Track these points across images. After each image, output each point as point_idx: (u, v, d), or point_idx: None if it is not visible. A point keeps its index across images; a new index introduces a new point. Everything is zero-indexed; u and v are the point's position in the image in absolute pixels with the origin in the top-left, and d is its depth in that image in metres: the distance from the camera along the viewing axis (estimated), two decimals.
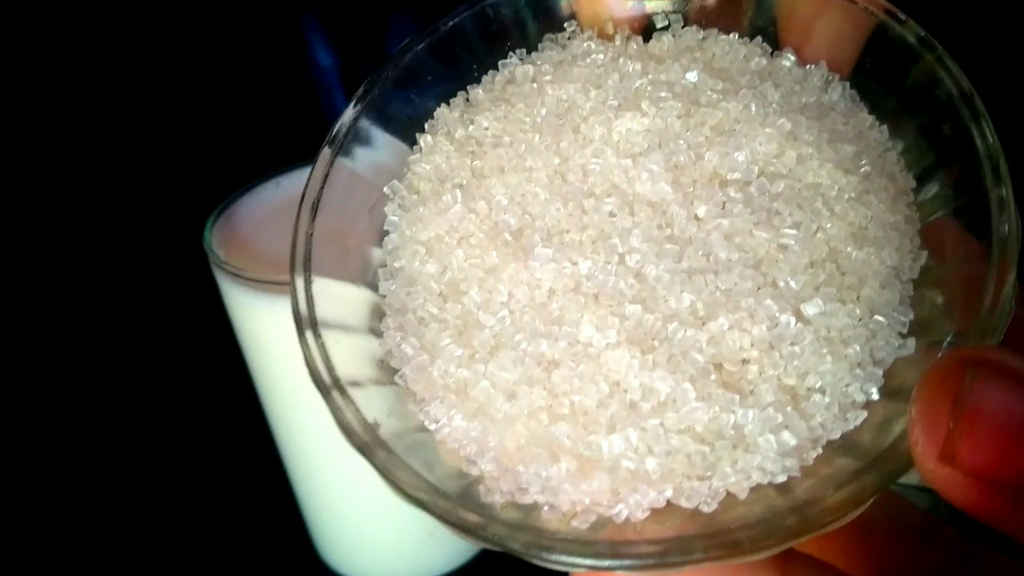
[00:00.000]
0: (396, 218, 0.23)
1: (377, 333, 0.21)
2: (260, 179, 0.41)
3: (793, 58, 0.22)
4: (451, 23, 0.23)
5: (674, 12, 0.23)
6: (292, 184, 0.41)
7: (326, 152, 0.22)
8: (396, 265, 0.22)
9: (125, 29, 0.63)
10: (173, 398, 0.58)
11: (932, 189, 0.20)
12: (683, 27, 0.23)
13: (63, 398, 0.59)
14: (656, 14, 0.23)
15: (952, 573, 0.21)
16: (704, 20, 0.23)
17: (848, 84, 0.22)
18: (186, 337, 0.60)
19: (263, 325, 0.37)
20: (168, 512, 0.52)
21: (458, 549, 0.46)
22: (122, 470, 0.54)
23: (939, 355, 0.17)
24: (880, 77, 0.21)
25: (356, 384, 0.20)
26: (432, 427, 0.20)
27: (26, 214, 0.65)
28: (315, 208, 0.22)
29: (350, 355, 0.20)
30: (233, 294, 0.36)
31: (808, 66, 0.22)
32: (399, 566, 0.46)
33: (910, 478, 0.17)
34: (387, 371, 0.21)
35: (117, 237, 0.65)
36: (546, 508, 0.18)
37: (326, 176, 0.22)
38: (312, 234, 0.21)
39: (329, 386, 0.20)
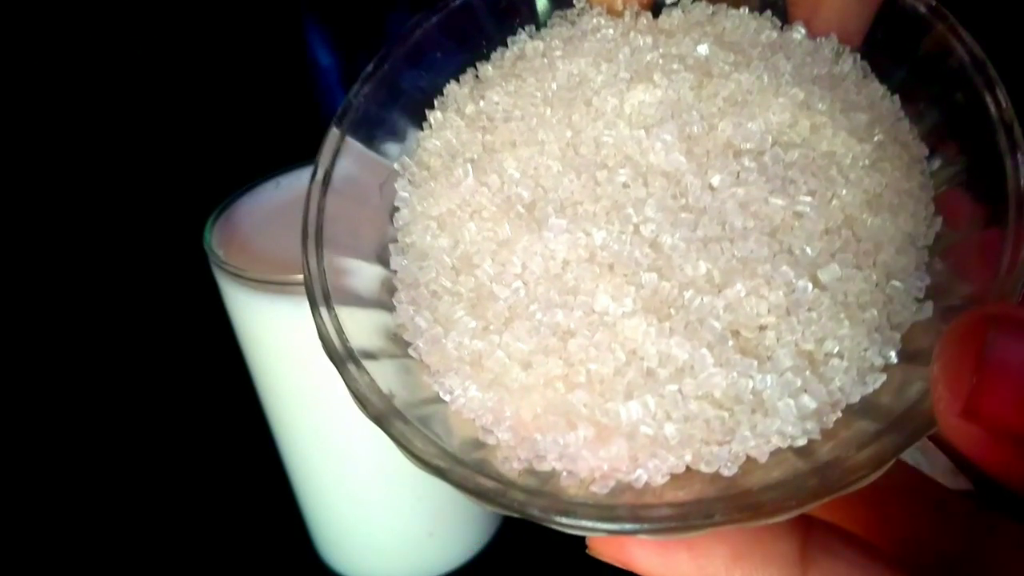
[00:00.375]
0: (407, 194, 0.23)
1: (389, 308, 0.21)
2: (260, 179, 0.41)
3: (803, 31, 0.22)
4: (461, 0, 0.23)
5: None
6: (292, 184, 0.41)
7: (335, 129, 0.22)
8: (407, 240, 0.22)
9: (125, 29, 0.63)
10: (173, 398, 0.58)
11: (945, 157, 0.20)
12: (692, 2, 0.23)
13: (63, 398, 0.59)
14: None
15: (968, 543, 0.21)
16: None
17: (859, 56, 0.22)
18: (186, 337, 0.60)
19: (263, 325, 0.37)
20: (168, 512, 0.52)
21: (458, 549, 0.46)
22: (122, 470, 0.54)
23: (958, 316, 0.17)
24: (891, 49, 0.22)
25: (370, 356, 0.20)
26: (447, 398, 0.20)
27: (26, 214, 0.65)
28: (326, 183, 0.22)
29: (363, 328, 0.20)
30: (233, 294, 0.36)
31: (818, 39, 0.22)
32: (399, 566, 0.46)
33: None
34: (400, 344, 0.21)
35: (117, 237, 0.65)
36: (564, 474, 0.18)
37: (336, 152, 0.22)
38: (323, 209, 0.21)
39: (344, 357, 0.19)
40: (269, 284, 0.34)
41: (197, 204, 0.41)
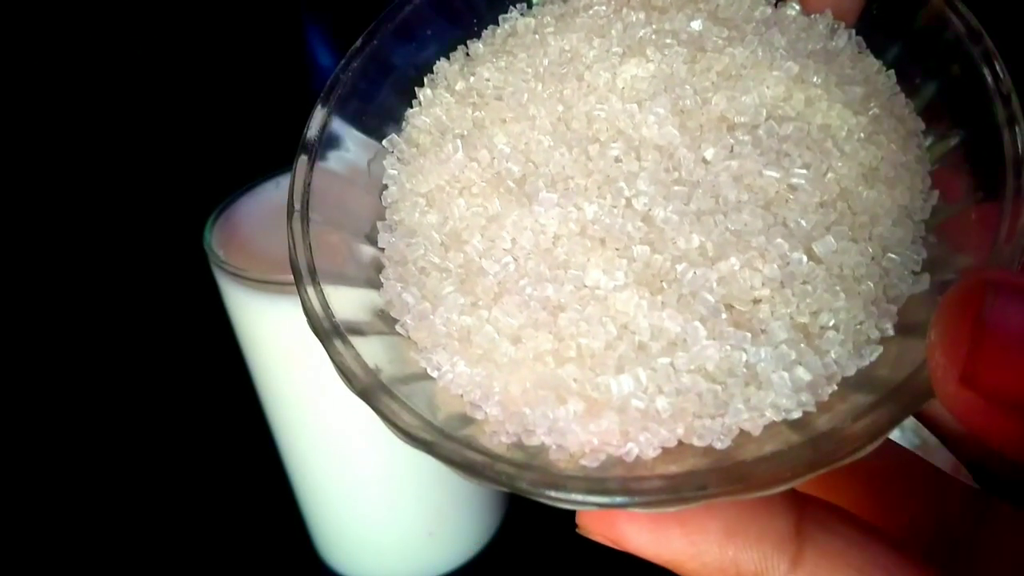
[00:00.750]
0: (395, 171, 0.22)
1: (376, 285, 0.21)
2: (260, 179, 0.41)
3: (798, 7, 0.22)
4: None
5: None
6: None
7: (322, 105, 0.22)
8: (396, 217, 0.22)
9: (125, 29, 0.63)
10: (173, 398, 0.58)
11: (942, 131, 0.20)
12: None
13: (63, 398, 0.59)
14: None
15: (966, 524, 0.21)
16: None
17: (854, 31, 0.22)
18: (186, 337, 0.60)
19: (263, 325, 0.37)
20: (168, 512, 0.52)
21: (458, 549, 0.46)
22: (122, 470, 0.54)
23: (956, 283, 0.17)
24: (886, 24, 0.21)
25: (356, 332, 0.20)
26: (435, 374, 0.19)
27: (26, 214, 0.65)
28: (312, 159, 0.21)
29: (349, 305, 0.20)
30: (233, 294, 0.36)
31: (813, 15, 0.22)
32: (399, 566, 0.46)
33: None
34: (387, 321, 0.21)
35: (117, 237, 0.65)
36: (554, 448, 0.18)
37: (323, 128, 0.22)
38: (310, 184, 0.21)
39: (329, 332, 0.19)
40: (269, 284, 0.34)
41: (197, 204, 0.41)
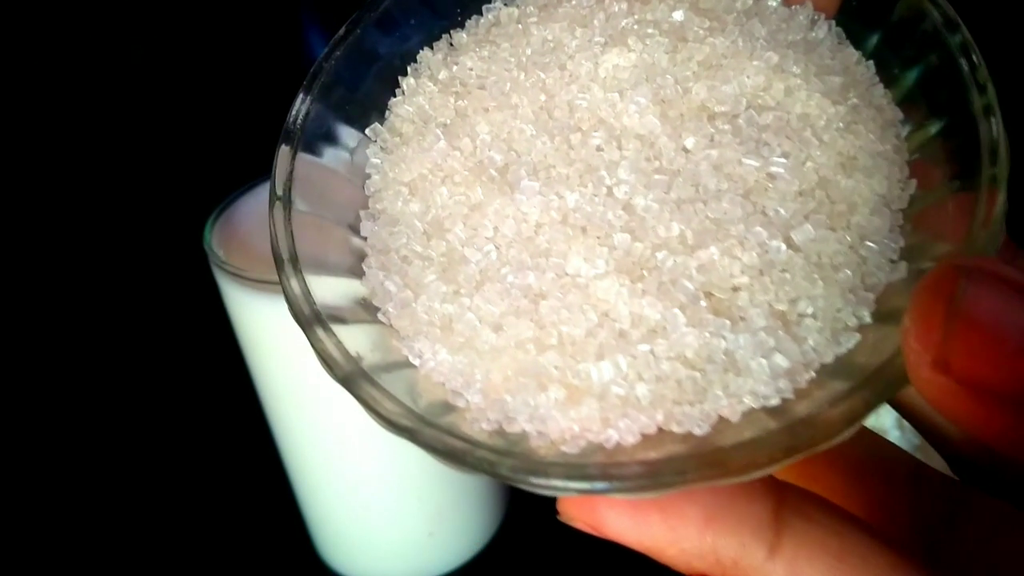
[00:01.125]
0: (378, 160, 0.22)
1: (358, 274, 0.21)
2: (260, 179, 0.41)
3: None
4: None
5: None
6: None
7: (303, 92, 0.22)
8: (378, 207, 0.22)
9: (125, 29, 0.63)
10: (173, 398, 0.58)
11: (919, 121, 0.20)
12: None
13: (63, 398, 0.59)
14: None
15: (942, 515, 0.21)
16: None
17: (833, 22, 0.22)
18: (186, 337, 0.60)
19: (263, 325, 0.37)
20: (168, 512, 0.52)
21: (458, 549, 0.46)
22: (122, 470, 0.54)
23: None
24: (865, 15, 0.21)
25: (338, 320, 0.20)
26: (416, 362, 0.20)
27: (26, 214, 0.65)
28: (295, 148, 0.22)
29: (331, 293, 0.20)
30: (233, 294, 0.36)
31: (793, 7, 0.22)
32: (399, 566, 0.46)
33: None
34: (369, 309, 0.21)
35: (117, 237, 0.65)
36: (535, 435, 0.18)
37: (306, 117, 0.22)
38: (292, 172, 0.21)
39: (310, 319, 0.19)
40: (269, 284, 0.34)
41: (197, 204, 0.41)
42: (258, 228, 0.38)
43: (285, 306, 0.35)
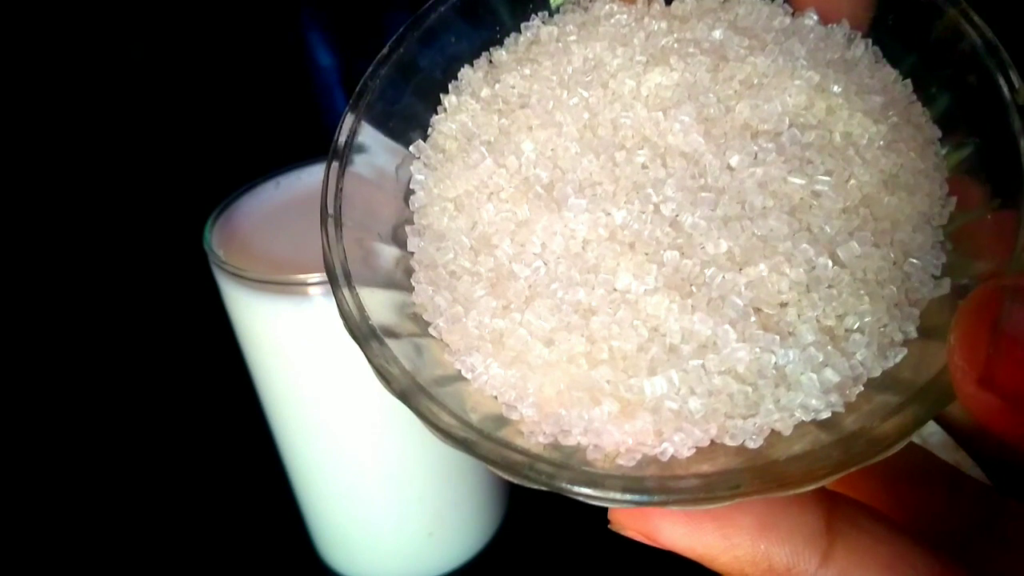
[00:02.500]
0: (423, 176, 0.23)
1: (405, 288, 0.21)
2: (260, 179, 0.41)
3: (816, 17, 0.23)
4: None
5: None
6: (292, 184, 0.41)
7: (351, 112, 0.22)
8: (424, 222, 0.22)
9: (125, 29, 0.63)
10: (173, 398, 0.58)
11: (958, 139, 0.21)
12: None
13: (63, 398, 0.59)
14: None
15: (980, 523, 0.21)
16: None
17: (870, 41, 0.22)
18: (186, 337, 0.60)
19: (263, 325, 0.37)
20: (168, 512, 0.52)
21: (458, 549, 0.46)
22: (122, 470, 0.54)
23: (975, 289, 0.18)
24: (902, 34, 0.22)
25: (390, 334, 0.20)
26: (469, 376, 0.20)
27: (27, 214, 0.65)
28: (343, 165, 0.22)
29: (381, 307, 0.21)
30: (233, 294, 0.36)
31: (830, 25, 0.22)
32: (399, 566, 0.46)
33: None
34: (419, 323, 0.21)
35: (117, 237, 0.65)
36: (591, 448, 0.18)
37: (352, 134, 0.22)
38: (341, 190, 0.22)
39: (367, 334, 0.20)
40: (269, 284, 0.34)
41: (197, 204, 0.41)
42: (258, 228, 0.38)
43: (285, 306, 0.35)
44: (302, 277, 0.33)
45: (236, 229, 0.38)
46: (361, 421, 0.39)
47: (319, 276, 0.33)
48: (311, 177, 0.42)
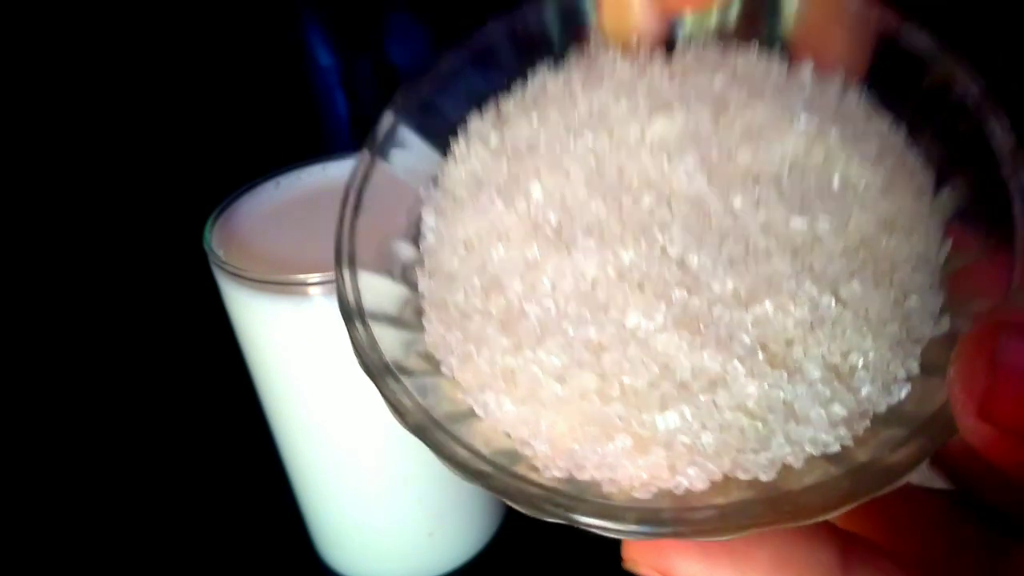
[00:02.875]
0: (432, 220, 0.23)
1: (415, 327, 0.22)
2: (260, 179, 0.41)
3: (811, 68, 0.23)
4: (485, 34, 0.24)
5: (697, 27, 0.24)
6: (292, 184, 0.41)
7: (366, 152, 0.23)
8: (434, 263, 0.23)
9: (125, 29, 0.63)
10: (173, 398, 0.58)
11: (951, 185, 0.21)
12: (704, 41, 0.24)
13: (63, 398, 0.59)
14: (679, 29, 0.25)
15: (983, 563, 0.21)
16: (724, 35, 0.24)
17: (864, 89, 0.23)
18: (186, 337, 0.60)
19: (263, 325, 0.37)
20: (167, 512, 0.52)
21: (458, 549, 0.46)
22: (122, 470, 0.54)
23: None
24: (894, 84, 0.23)
25: (403, 371, 0.20)
26: (481, 413, 0.20)
27: (26, 214, 0.65)
28: (357, 205, 0.23)
29: (394, 345, 0.21)
30: (233, 294, 0.36)
31: (826, 75, 0.23)
32: (399, 566, 0.46)
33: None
34: (431, 361, 0.21)
35: (117, 237, 0.65)
36: (606, 482, 0.19)
37: (366, 176, 0.23)
38: (355, 228, 0.22)
39: (381, 370, 0.20)
40: (269, 284, 0.34)
41: (197, 204, 0.41)
42: (258, 228, 0.38)
43: (285, 306, 0.35)
44: (302, 277, 0.33)
45: (236, 229, 0.38)
46: (361, 422, 0.39)
47: (319, 276, 0.33)
48: (311, 177, 0.42)
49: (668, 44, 0.25)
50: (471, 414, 0.20)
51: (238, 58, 0.65)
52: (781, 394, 0.19)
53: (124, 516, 0.51)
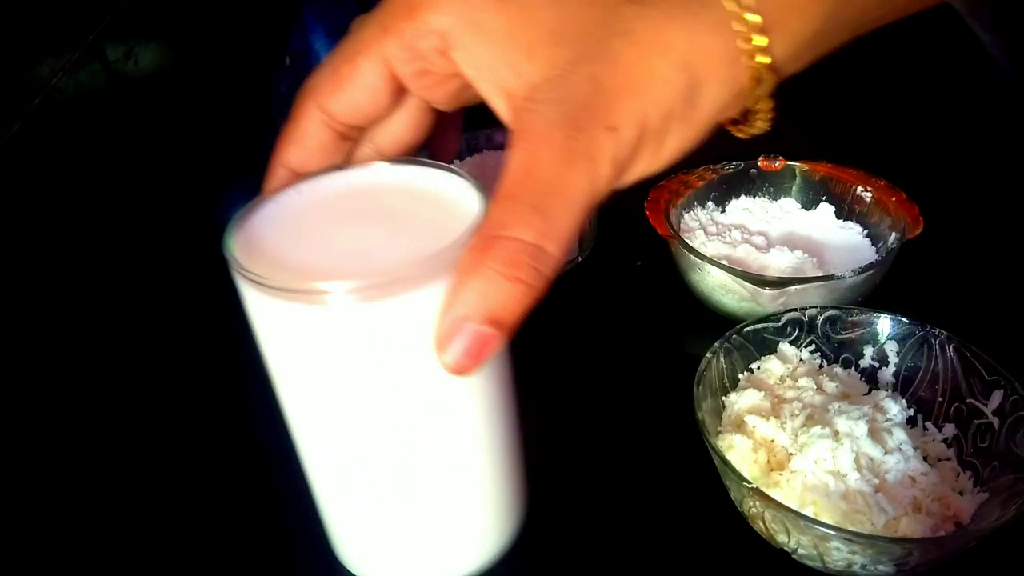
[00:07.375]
0: None
1: None
2: (282, 186, 0.41)
3: None
4: None
5: None
6: (313, 190, 0.41)
7: None
8: None
9: (146, 30, 0.63)
10: (194, 404, 0.58)
11: None
12: None
13: (81, 404, 0.60)
14: None
15: None
16: None
17: None
18: (207, 345, 0.61)
19: (285, 333, 0.37)
20: (187, 515, 0.52)
21: (480, 553, 0.46)
22: (142, 474, 0.55)
23: None
24: None
25: None
26: None
27: (32, 217, 0.65)
28: None
29: None
30: (254, 301, 0.36)
31: None
32: (419, 569, 0.46)
33: None
34: None
35: (138, 244, 0.66)
36: None
37: None
38: None
39: None
40: (291, 292, 0.34)
41: (216, 211, 0.41)
42: (281, 235, 0.38)
43: (306, 314, 0.35)
44: (324, 285, 0.34)
45: (258, 236, 0.38)
46: (382, 429, 0.39)
47: (341, 284, 0.33)
48: (333, 183, 0.42)
49: None
50: None
51: (240, 60, 0.65)
52: None
53: (142, 517, 0.52)
